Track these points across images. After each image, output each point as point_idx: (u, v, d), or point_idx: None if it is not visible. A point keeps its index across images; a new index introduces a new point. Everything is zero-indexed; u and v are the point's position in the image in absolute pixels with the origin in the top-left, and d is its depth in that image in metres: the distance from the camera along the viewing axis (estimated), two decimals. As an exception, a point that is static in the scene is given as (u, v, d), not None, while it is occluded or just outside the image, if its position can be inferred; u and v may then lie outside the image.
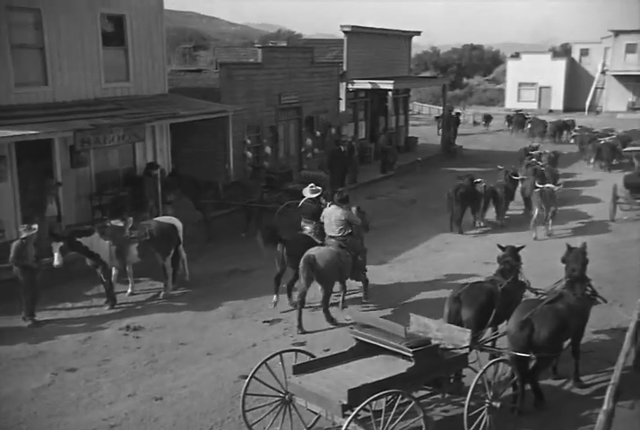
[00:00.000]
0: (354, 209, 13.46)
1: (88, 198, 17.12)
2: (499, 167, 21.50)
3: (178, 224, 14.03)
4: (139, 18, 18.40)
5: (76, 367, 10.42)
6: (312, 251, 12.18)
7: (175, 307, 13.02)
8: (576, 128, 36.61)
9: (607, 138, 30.17)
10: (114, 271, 13.39)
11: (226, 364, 10.55)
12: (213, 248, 16.88)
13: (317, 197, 14.64)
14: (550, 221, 18.45)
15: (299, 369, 8.19)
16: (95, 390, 9.74)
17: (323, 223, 12.98)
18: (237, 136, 20.93)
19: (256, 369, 8.25)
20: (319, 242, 12.88)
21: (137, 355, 10.89)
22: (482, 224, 19.29)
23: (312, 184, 15.32)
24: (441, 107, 36.71)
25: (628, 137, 30.05)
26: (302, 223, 14.37)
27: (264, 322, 12.29)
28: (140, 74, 18.66)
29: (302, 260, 11.98)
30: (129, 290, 13.68)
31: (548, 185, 18.58)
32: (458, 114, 37.08)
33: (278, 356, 8.40)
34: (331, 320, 12.18)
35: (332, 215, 12.69)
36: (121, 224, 13.23)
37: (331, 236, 12.66)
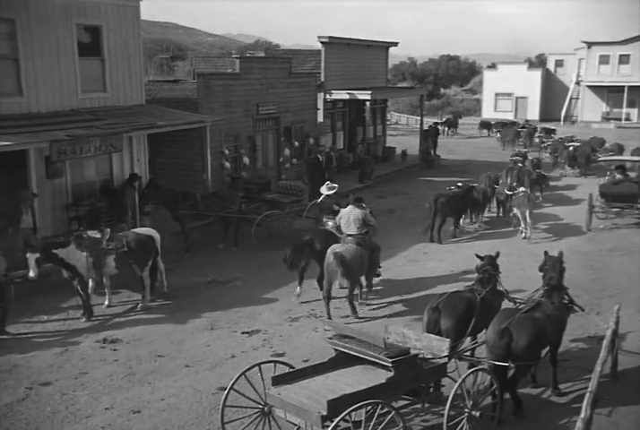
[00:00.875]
0: (368, 210, 14.11)
1: (64, 209, 16.94)
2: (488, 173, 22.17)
3: (156, 235, 13.95)
4: (116, 28, 18.33)
5: (52, 381, 10.28)
6: (338, 248, 12.83)
7: (152, 319, 12.91)
8: (543, 135, 38.09)
9: (575, 144, 31.70)
10: (91, 283, 13.27)
11: (204, 376, 10.47)
12: (191, 259, 16.79)
13: (335, 193, 16.09)
14: (527, 224, 18.99)
15: (278, 380, 8.15)
16: (71, 403, 9.62)
17: (336, 221, 13.77)
18: (214, 146, 20.89)
19: (235, 381, 8.19)
20: (341, 237, 13.47)
21: (114, 367, 10.77)
22: (478, 226, 20.09)
23: (328, 182, 17.10)
24: (418, 118, 36.88)
25: (591, 144, 32.17)
26: (324, 219, 15.54)
27: (243, 333, 12.22)
28: (117, 85, 18.57)
29: (331, 256, 12.61)
30: (106, 302, 13.55)
31: (522, 189, 19.30)
32: (437, 124, 37.30)
33: (257, 368, 8.35)
34: (355, 312, 12.92)
35: (350, 214, 13.33)
36: (98, 235, 13.11)
37: (348, 235, 13.23)
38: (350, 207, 13.57)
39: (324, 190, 16.46)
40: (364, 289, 13.97)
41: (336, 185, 16.66)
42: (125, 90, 18.84)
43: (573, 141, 33.52)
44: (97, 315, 12.97)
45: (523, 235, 19.01)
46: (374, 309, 13.41)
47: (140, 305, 13.50)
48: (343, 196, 16.63)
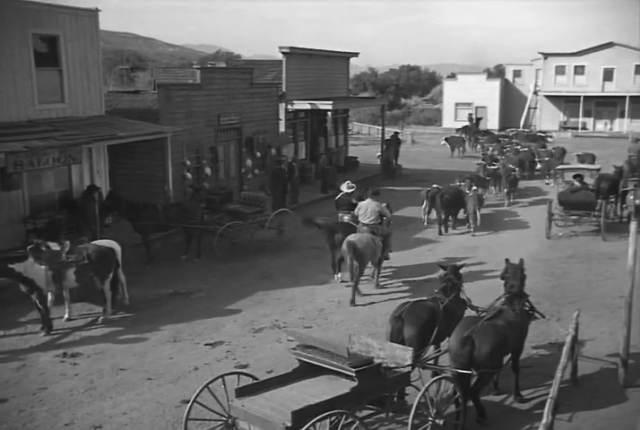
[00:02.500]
0: (384, 204, 15.96)
1: (21, 222, 16.67)
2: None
3: (117, 247, 13.78)
4: (74, 39, 18.15)
5: (8, 397, 10.04)
6: (351, 237, 14.57)
7: (114, 332, 12.73)
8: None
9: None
10: (50, 297, 13.04)
11: (167, 389, 10.35)
12: (153, 271, 16.62)
13: (352, 192, 18.03)
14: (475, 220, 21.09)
15: (242, 392, 8.09)
16: (29, 420, 9.41)
17: (355, 212, 15.71)
18: (176, 157, 20.75)
19: (198, 393, 8.12)
20: (357, 227, 15.46)
21: (75, 382, 10.59)
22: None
23: (348, 181, 18.92)
24: (380, 127, 37.14)
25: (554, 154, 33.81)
26: (340, 214, 17.45)
27: (206, 345, 12.11)
28: (75, 96, 18.37)
29: (345, 244, 14.37)
30: (66, 315, 13.33)
31: (473, 188, 21.55)
32: (397, 133, 37.59)
33: (220, 380, 8.29)
34: (355, 296, 14.26)
35: (368, 206, 15.40)
36: (58, 248, 12.91)
37: (364, 224, 15.24)
38: (368, 200, 15.65)
39: (343, 187, 18.39)
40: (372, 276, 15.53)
41: (354, 185, 18.61)
42: (84, 100, 18.65)
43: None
44: (56, 329, 12.74)
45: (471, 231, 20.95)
46: (341, 322, 13.41)
47: (101, 318, 13.31)
48: (362, 190, 18.34)
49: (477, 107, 61.62)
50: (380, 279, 15.56)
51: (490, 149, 36.04)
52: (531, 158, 32.93)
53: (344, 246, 14.39)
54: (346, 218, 16.75)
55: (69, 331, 12.79)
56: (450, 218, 21.51)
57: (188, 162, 21.86)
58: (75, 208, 17.33)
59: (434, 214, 21.53)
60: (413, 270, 16.79)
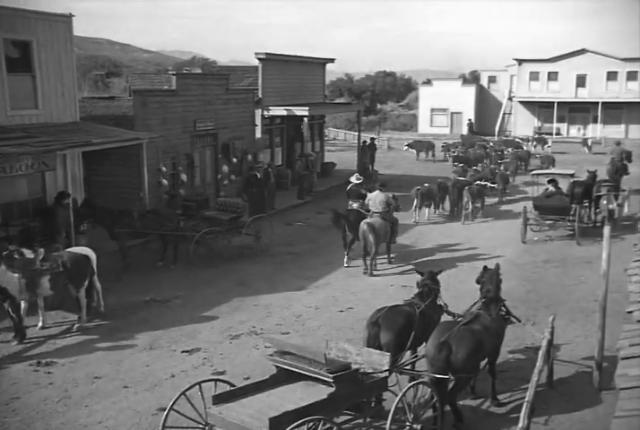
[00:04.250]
0: (391, 195, 18.04)
1: (-6, 229, 16.47)
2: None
3: (92, 254, 13.66)
4: (47, 44, 18.01)
5: (-18, 407, 9.93)
6: (368, 220, 16.99)
7: (89, 340, 12.60)
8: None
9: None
10: (23, 305, 12.87)
11: (143, 396, 10.26)
12: (129, 278, 16.49)
13: (361, 183, 20.73)
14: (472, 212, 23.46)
15: (219, 399, 8.05)
16: (3, 430, 9.30)
17: (367, 203, 17.91)
18: (151, 164, 20.64)
19: (175, 401, 8.06)
20: (366, 214, 17.63)
21: (49, 391, 10.46)
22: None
23: (357, 174, 22.06)
24: (356, 133, 37.29)
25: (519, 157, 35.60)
26: (350, 202, 19.10)
27: (183, 352, 12.04)
28: (49, 102, 18.22)
29: (364, 225, 16.74)
30: (40, 324, 13.16)
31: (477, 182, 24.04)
32: (373, 139, 37.73)
33: (197, 387, 8.24)
34: (371, 271, 16.83)
35: (377, 197, 17.64)
36: (31, 255, 12.77)
37: (375, 212, 17.46)
38: (377, 191, 17.91)
39: (353, 179, 21.01)
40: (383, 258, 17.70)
41: (362, 177, 21.67)
42: (57, 106, 18.50)
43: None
44: (30, 337, 12.58)
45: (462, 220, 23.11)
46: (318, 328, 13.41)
47: (76, 325, 13.17)
48: (371, 183, 21.10)
49: (452, 113, 62.04)
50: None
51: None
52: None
53: (364, 227, 16.71)
54: (355, 205, 18.52)
55: (43, 339, 12.64)
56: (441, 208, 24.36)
57: (164, 169, 21.75)
58: (49, 215, 17.15)
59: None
60: (389, 275, 16.84)
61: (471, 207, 23.51)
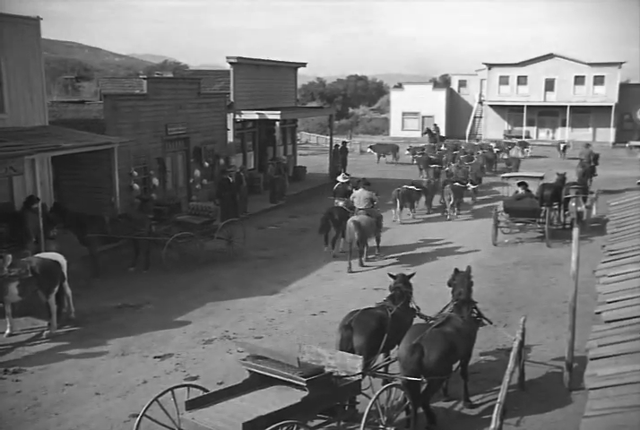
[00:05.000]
0: (374, 193, 19.23)
1: (-39, 235, 16.22)
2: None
3: (62, 260, 13.51)
4: (14, 47, 17.80)
5: (-50, 416, 9.76)
6: (355, 218, 17.87)
7: (59, 347, 12.46)
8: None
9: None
10: (-8, 311, 12.70)
11: (115, 403, 10.17)
12: (101, 284, 16.34)
13: (347, 182, 21.94)
14: (456, 208, 24.86)
15: (192, 404, 8.01)
16: (-28, 439, 9.15)
17: (352, 200, 19.10)
18: (123, 168, 20.48)
19: (147, 407, 8.01)
20: (350, 212, 18.74)
21: (17, 399, 10.29)
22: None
23: (344, 173, 24.00)
24: (328, 137, 37.40)
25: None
26: (336, 200, 20.54)
27: (155, 357, 11.95)
28: (17, 106, 18.00)
29: (351, 223, 17.53)
30: (7, 331, 12.96)
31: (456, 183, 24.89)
32: (345, 143, 37.83)
33: (170, 393, 8.19)
34: (362, 262, 17.88)
35: (361, 195, 18.83)
36: (-1, 261, 12.59)
37: (359, 209, 18.57)
38: (361, 189, 19.08)
39: (340, 178, 22.62)
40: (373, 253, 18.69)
41: (348, 176, 23.29)
42: (26, 110, 18.28)
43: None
44: (-1, 345, 12.42)
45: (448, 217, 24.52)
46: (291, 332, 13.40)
47: (45, 332, 13.01)
48: (356, 181, 21.41)
49: (423, 117, 62.41)
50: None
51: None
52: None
53: (351, 225, 17.51)
54: (341, 203, 19.75)
55: (11, 346, 12.45)
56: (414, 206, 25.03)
57: (135, 173, 21.61)
58: (17, 220, 16.92)
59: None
60: (361, 279, 16.89)
61: (451, 203, 24.69)
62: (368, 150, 44.78)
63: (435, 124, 55.97)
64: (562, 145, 45.86)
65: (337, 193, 21.60)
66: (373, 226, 18.36)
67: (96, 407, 10.05)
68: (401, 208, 24.11)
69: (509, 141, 48.16)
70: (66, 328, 13.38)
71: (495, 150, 41.02)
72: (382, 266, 17.90)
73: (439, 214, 25.48)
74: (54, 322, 13.11)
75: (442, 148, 41.61)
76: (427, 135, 52.37)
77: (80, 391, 10.60)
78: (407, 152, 41.96)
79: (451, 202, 24.82)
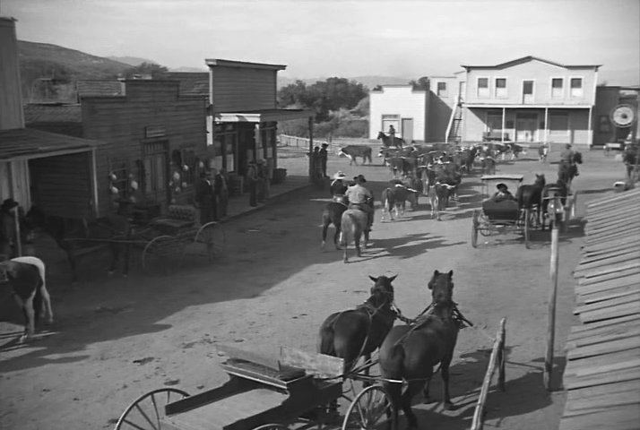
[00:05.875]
0: (368, 190, 20.39)
1: (-63, 240, 16.00)
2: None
3: (40, 264, 13.37)
4: (-10, 50, 17.59)
5: None
6: (349, 212, 19.00)
7: (37, 352, 12.32)
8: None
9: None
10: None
11: (94, 408, 10.07)
12: (79, 288, 16.21)
13: (343, 179, 23.65)
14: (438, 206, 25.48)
15: (172, 409, 7.95)
16: (-52, 446, 9.03)
17: (347, 195, 20.22)
18: (101, 171, 20.33)
19: (127, 412, 7.94)
20: (347, 206, 19.74)
21: (-5, 405, 10.19)
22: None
23: (340, 171, 26.20)
24: (308, 140, 37.39)
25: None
26: (334, 196, 21.86)
27: (135, 361, 11.87)
28: (-7, 108, 17.79)
29: (347, 216, 18.77)
30: (-14, 336, 12.85)
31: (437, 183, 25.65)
32: (325, 145, 37.85)
33: (150, 397, 8.13)
34: (359, 253, 19.18)
35: (356, 191, 19.93)
36: (-24, 266, 12.45)
37: (354, 204, 19.64)
38: (356, 186, 20.15)
39: (336, 175, 24.39)
40: (362, 244, 19.82)
41: (344, 174, 25.00)
42: (1, 113, 18.07)
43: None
44: (-24, 351, 12.28)
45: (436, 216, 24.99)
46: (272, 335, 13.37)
47: (23, 337, 12.86)
48: (353, 178, 22.02)
49: (403, 119, 62.62)
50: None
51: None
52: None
53: (347, 218, 18.76)
54: (339, 199, 20.82)
55: (-11, 352, 12.33)
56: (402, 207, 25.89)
57: (114, 176, 21.46)
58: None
59: None
60: (342, 281, 16.90)
61: (437, 204, 25.49)
62: (340, 152, 44.42)
63: (391, 126, 55.65)
64: (544, 150, 45.30)
65: (334, 189, 23.11)
66: (366, 219, 19.49)
67: (74, 412, 9.95)
68: (390, 207, 24.81)
69: (501, 143, 48.28)
70: (44, 333, 13.25)
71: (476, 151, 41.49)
72: (362, 267, 17.91)
73: (425, 212, 25.85)
74: (31, 327, 12.97)
75: (413, 149, 41.80)
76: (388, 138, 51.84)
77: (58, 396, 10.49)
78: (380, 154, 42.17)
79: (437, 203, 25.43)
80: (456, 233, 22.48)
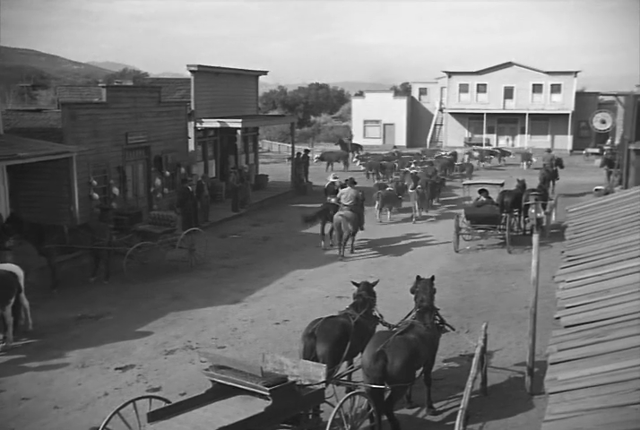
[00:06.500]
0: (360, 193, 21.35)
1: None
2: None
3: (19, 271, 13.23)
4: (-30, 55, 17.44)
5: None
6: (341, 213, 20.01)
7: (16, 360, 12.19)
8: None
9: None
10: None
11: (75, 416, 9.98)
12: (60, 295, 16.07)
13: (336, 181, 25.19)
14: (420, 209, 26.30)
15: (154, 416, 7.90)
16: None
17: (339, 197, 20.99)
18: (82, 177, 20.19)
19: (108, 420, 7.88)
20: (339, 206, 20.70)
21: (-27, 414, 10.06)
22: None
23: (334, 173, 28.58)
24: (290, 145, 37.42)
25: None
26: (328, 197, 23.24)
27: (116, 369, 11.78)
28: (-28, 114, 17.63)
29: (339, 217, 19.76)
30: (-37, 344, 12.68)
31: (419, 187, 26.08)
32: (307, 151, 37.88)
33: (131, 405, 8.07)
34: (352, 251, 20.42)
35: (348, 193, 20.82)
36: (-46, 273, 12.30)
37: (344, 205, 20.47)
38: (348, 188, 21.11)
39: (330, 178, 26.35)
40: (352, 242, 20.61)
41: (338, 176, 26.75)
42: (-20, 119, 17.92)
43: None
44: (-45, 359, 12.12)
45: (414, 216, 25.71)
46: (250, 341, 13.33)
47: (1, 345, 12.71)
48: (344, 180, 23.37)
49: (385, 125, 62.81)
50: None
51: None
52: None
53: (339, 218, 19.73)
54: (333, 200, 21.82)
55: (-32, 360, 12.18)
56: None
57: (95, 182, 21.32)
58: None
59: None
60: (324, 287, 16.89)
61: (417, 207, 26.07)
62: (315, 160, 43.39)
63: (350, 133, 55.80)
64: (527, 162, 44.44)
65: (328, 191, 24.71)
66: (356, 220, 20.33)
67: (54, 421, 9.85)
68: (380, 210, 25.51)
69: (490, 149, 48.41)
70: (23, 340, 13.11)
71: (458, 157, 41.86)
72: (345, 272, 17.92)
73: (407, 215, 26.43)
74: (10, 335, 12.82)
75: (394, 154, 41.98)
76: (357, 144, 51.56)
77: (37, 404, 10.38)
78: (354, 159, 42.21)
79: (417, 206, 25.98)
80: (439, 236, 22.55)
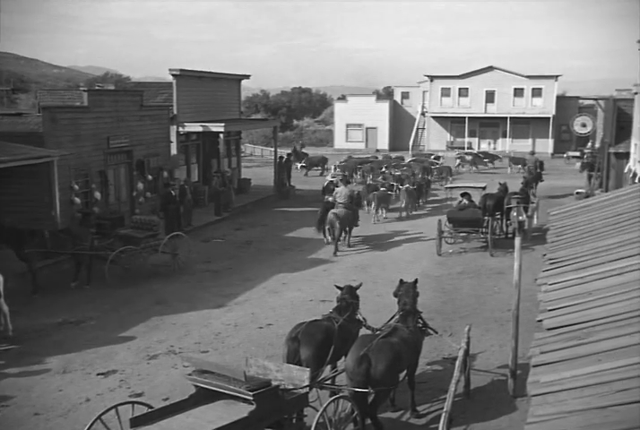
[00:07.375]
0: (355, 191, 23.00)
1: None
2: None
3: (-1, 276, 13.12)
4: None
5: None
6: (334, 211, 21.01)
7: (-3, 366, 12.08)
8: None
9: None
10: None
11: (56, 423, 9.89)
12: (41, 300, 15.92)
13: (333, 181, 27.25)
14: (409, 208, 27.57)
15: (137, 422, 7.84)
16: None
17: (334, 195, 22.23)
18: (63, 182, 20.08)
19: (90, 426, 7.81)
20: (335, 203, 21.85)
21: (-47, 422, 9.96)
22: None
23: (332, 173, 31.63)
24: (272, 149, 37.40)
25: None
26: (325, 196, 25.08)
27: (98, 374, 11.69)
28: (-48, 118, 17.48)
29: (331, 215, 20.79)
30: (-56, 351, 12.56)
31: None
32: (290, 155, 37.88)
33: (114, 410, 8.01)
34: (349, 245, 21.76)
35: (342, 191, 21.99)
36: None
37: (339, 203, 21.58)
38: (342, 187, 22.46)
39: (328, 177, 29.42)
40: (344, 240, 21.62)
41: (335, 176, 29.74)
42: (-40, 123, 17.77)
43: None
44: None
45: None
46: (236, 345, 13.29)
47: (-17, 351, 12.62)
48: (339, 179, 25.93)
49: (367, 128, 62.96)
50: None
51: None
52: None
53: (332, 217, 20.75)
54: (330, 199, 22.86)
55: (-52, 366, 12.04)
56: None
57: (76, 186, 21.20)
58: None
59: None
60: (308, 291, 16.88)
61: (404, 206, 27.37)
62: (299, 168, 43.31)
63: (300, 141, 55.89)
64: (525, 167, 44.19)
65: (326, 190, 26.60)
66: (350, 217, 21.41)
67: (35, 428, 9.75)
68: (376, 210, 26.22)
69: (481, 155, 48.31)
70: (3, 346, 12.96)
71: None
72: (328, 276, 17.92)
73: (397, 214, 27.43)
74: (-9, 341, 12.72)
75: (377, 158, 42.27)
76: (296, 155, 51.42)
77: (18, 411, 10.27)
78: (299, 167, 42.66)
79: (403, 205, 27.32)
80: (424, 238, 22.62)
